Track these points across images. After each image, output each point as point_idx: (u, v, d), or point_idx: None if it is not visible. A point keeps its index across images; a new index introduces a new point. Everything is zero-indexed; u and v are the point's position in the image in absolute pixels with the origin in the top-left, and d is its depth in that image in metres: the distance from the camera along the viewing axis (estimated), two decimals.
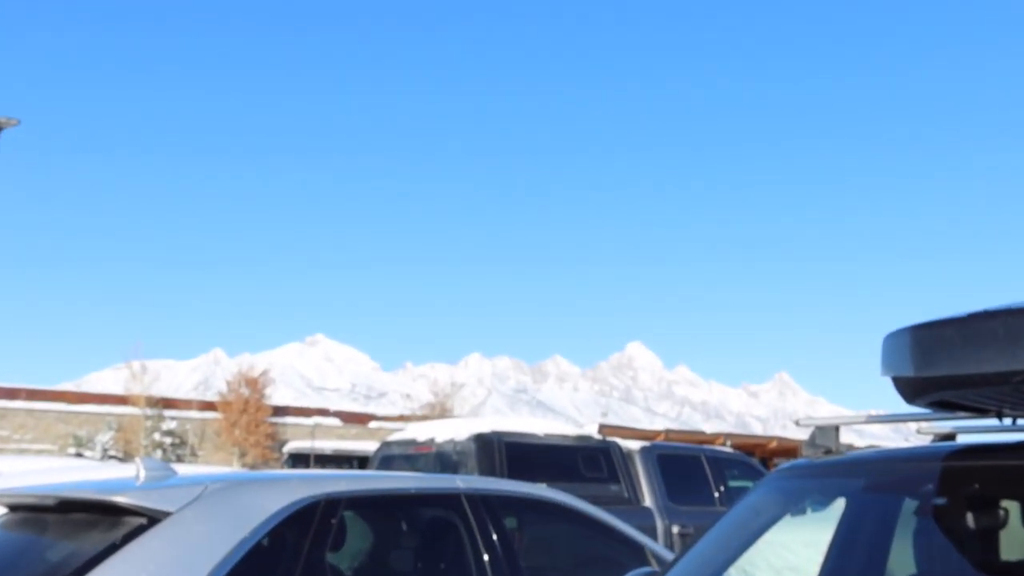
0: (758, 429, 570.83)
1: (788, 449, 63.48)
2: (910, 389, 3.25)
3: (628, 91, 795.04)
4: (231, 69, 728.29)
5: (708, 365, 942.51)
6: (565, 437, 11.55)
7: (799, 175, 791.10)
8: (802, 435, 4.68)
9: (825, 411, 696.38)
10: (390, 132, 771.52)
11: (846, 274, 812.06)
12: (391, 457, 11.68)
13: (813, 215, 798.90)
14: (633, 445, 12.40)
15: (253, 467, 50.44)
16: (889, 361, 3.25)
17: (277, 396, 64.12)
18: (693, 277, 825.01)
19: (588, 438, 11.84)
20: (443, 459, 10.92)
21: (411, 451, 11.41)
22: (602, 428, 50.89)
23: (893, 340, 3.21)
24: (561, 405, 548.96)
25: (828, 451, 4.20)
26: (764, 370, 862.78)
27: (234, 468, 47.10)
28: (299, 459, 52.57)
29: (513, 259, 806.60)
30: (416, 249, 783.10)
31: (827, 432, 4.28)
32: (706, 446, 15.04)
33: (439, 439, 11.09)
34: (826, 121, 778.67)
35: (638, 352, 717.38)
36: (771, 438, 64.71)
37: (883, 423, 4.58)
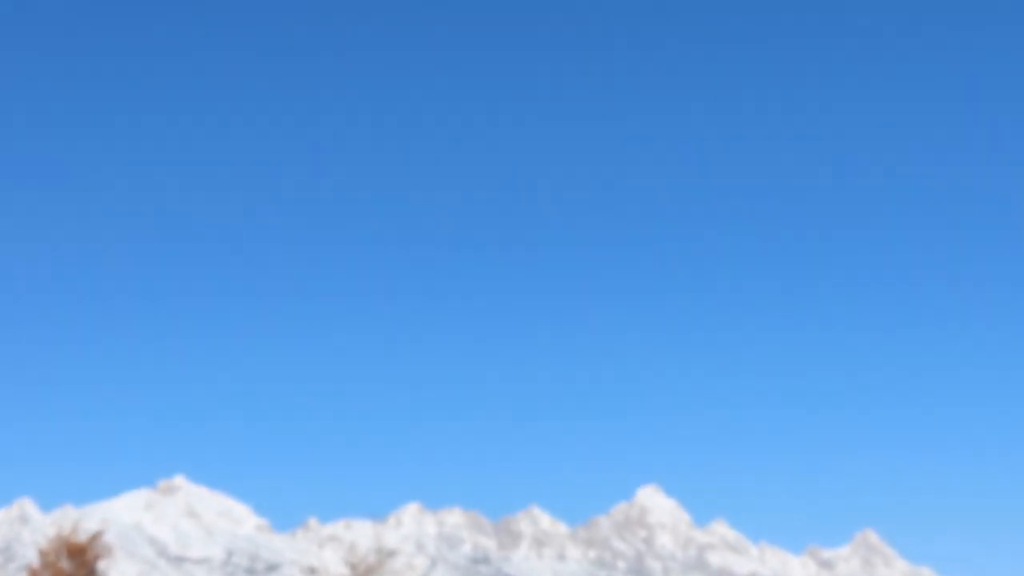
0: None
1: None
2: None
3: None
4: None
5: (756, 520, 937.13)
6: None
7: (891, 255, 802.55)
8: None
9: None
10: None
11: (960, 395, 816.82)
12: None
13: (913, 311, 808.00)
14: None
15: None
16: None
17: (115, 573, 63.27)
18: (732, 396, 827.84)
19: None
20: None
21: None
22: None
23: None
24: None
25: None
26: (841, 528, 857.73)
27: None
28: None
29: (469, 369, 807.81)
30: (320, 359, 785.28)
31: None
32: None
33: None
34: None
35: (654, 501, 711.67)
36: None
37: None
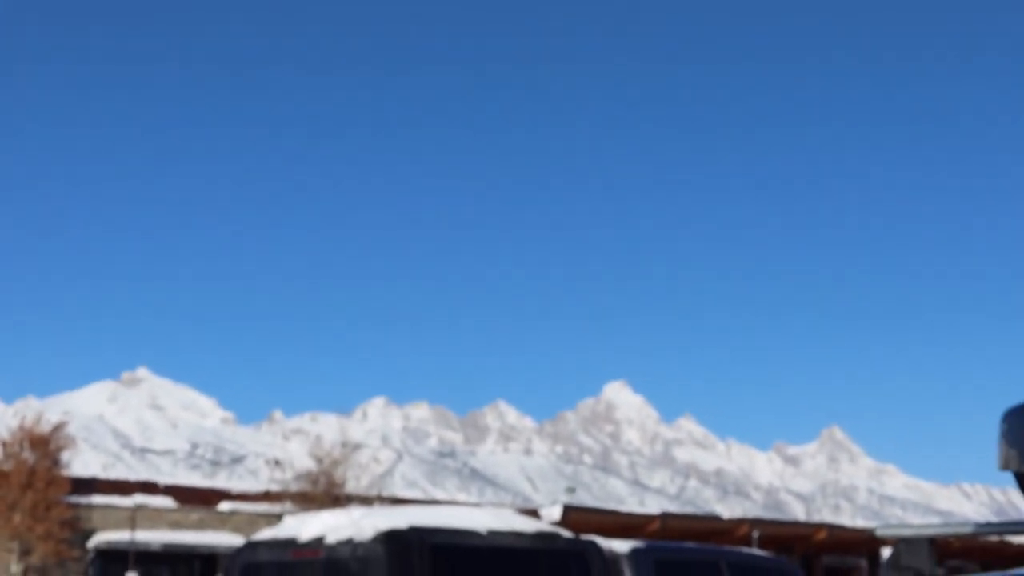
0: (798, 511, 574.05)
1: (843, 543, 64.12)
2: None
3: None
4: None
5: (724, 417, 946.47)
6: (520, 536, 11.48)
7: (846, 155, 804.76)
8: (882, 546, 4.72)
9: (899, 484, 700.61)
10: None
11: (925, 296, 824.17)
12: (258, 566, 11.55)
13: (876, 206, 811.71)
14: (620, 546, 12.42)
15: (44, 570, 49.90)
16: (1015, 448, 3.29)
17: (79, 463, 63.59)
18: (700, 290, 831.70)
19: (554, 536, 11.82)
20: (337, 570, 10.82)
21: (289, 557, 11.30)
22: (568, 513, 51.34)
23: (1021, 419, 3.26)
24: (507, 476, 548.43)
25: (920, 575, 4.17)
26: (807, 425, 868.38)
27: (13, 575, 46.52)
28: (112, 558, 52.00)
29: (432, 266, 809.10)
30: (286, 244, 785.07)
31: (918, 547, 4.22)
32: (727, 547, 15.13)
33: (331, 539, 10.97)
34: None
35: (621, 397, 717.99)
36: (819, 526, 65.37)
37: (1001, 533, 4.65)
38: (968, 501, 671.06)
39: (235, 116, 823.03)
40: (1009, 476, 3.63)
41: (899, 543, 4.11)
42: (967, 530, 4.33)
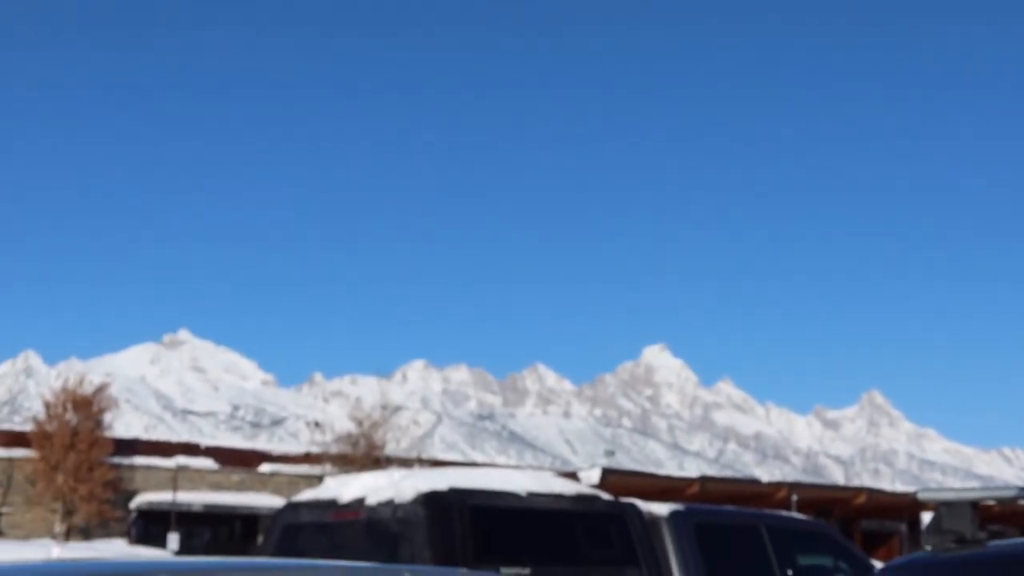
0: (838, 476, 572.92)
1: (882, 507, 63.97)
2: None
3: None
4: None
5: (763, 381, 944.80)
6: (559, 498, 11.51)
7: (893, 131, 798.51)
8: (924, 509, 4.68)
9: (938, 449, 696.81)
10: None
11: (966, 259, 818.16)
12: (298, 527, 11.60)
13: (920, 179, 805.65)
14: (659, 509, 12.41)
15: (87, 530, 50.36)
16: None
17: (121, 425, 64.11)
18: (740, 256, 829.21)
19: (594, 499, 11.83)
20: (377, 531, 10.87)
21: (329, 518, 11.35)
22: (607, 476, 51.35)
23: None
24: (545, 439, 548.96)
25: (961, 539, 4.12)
26: (847, 389, 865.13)
27: (58, 536, 46.87)
28: (153, 518, 52.46)
29: (472, 229, 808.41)
30: (328, 213, 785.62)
31: (960, 511, 4.17)
32: (766, 511, 15.11)
33: (371, 500, 11.02)
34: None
35: (660, 361, 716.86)
36: (858, 490, 65.20)
37: None
38: (1009, 466, 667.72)
39: (281, 81, 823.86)
40: None
41: (941, 507, 4.08)
42: (1009, 494, 4.29)
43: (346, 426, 59.74)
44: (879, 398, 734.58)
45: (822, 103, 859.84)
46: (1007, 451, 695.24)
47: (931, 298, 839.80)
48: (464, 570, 6.21)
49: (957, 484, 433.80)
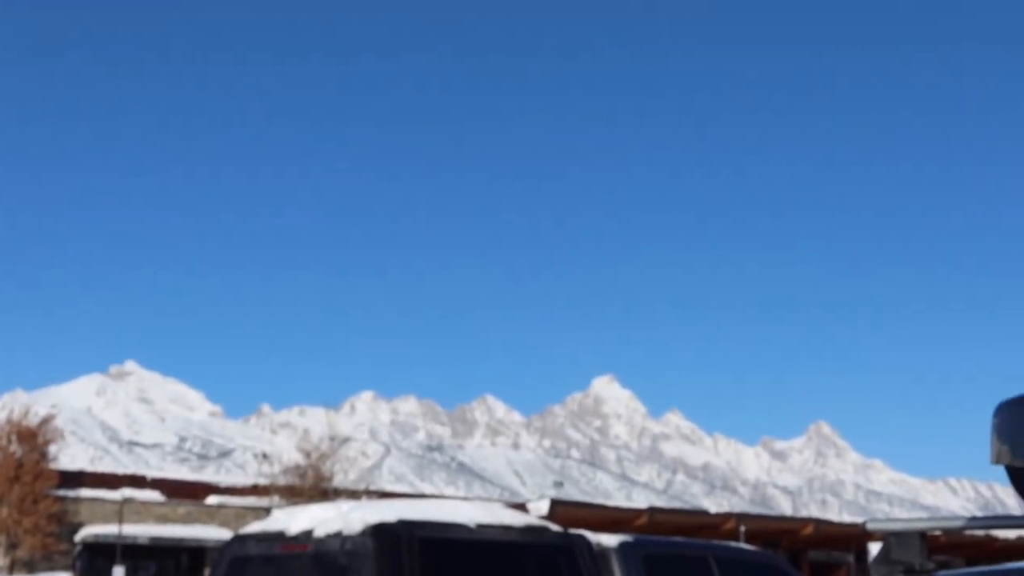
0: (786, 507, 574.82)
1: (830, 538, 64.20)
2: None
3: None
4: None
5: (711, 412, 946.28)
6: (508, 529, 11.48)
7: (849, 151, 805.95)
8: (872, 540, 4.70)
9: (885, 479, 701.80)
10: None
11: (912, 292, 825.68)
12: (246, 560, 11.52)
13: (861, 213, 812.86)
14: (608, 540, 12.40)
15: (31, 564, 49.80)
16: (1007, 443, 3.29)
17: (66, 456, 63.45)
18: (689, 288, 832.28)
19: (543, 530, 11.81)
20: (325, 563, 10.81)
21: (277, 550, 11.28)
22: (555, 507, 51.33)
23: (1014, 413, 3.26)
24: (494, 470, 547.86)
25: (910, 569, 4.14)
26: (794, 420, 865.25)
27: (1, 570, 46.39)
28: (99, 551, 51.98)
29: (421, 262, 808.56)
30: (275, 246, 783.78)
31: (908, 541, 4.18)
32: (714, 542, 15.13)
33: (319, 532, 10.96)
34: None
35: (609, 392, 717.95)
36: (806, 521, 65.40)
37: (989, 528, 4.64)
38: (954, 496, 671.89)
39: (220, 113, 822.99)
40: (996, 470, 3.63)
41: (889, 537, 4.10)
42: (957, 524, 4.31)
43: (294, 458, 59.52)
44: (826, 429, 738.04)
45: (763, 137, 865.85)
46: (952, 481, 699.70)
47: (878, 330, 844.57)
48: None
49: (904, 514, 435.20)
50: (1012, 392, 3.49)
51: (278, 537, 11.36)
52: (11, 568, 48.12)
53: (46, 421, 53.11)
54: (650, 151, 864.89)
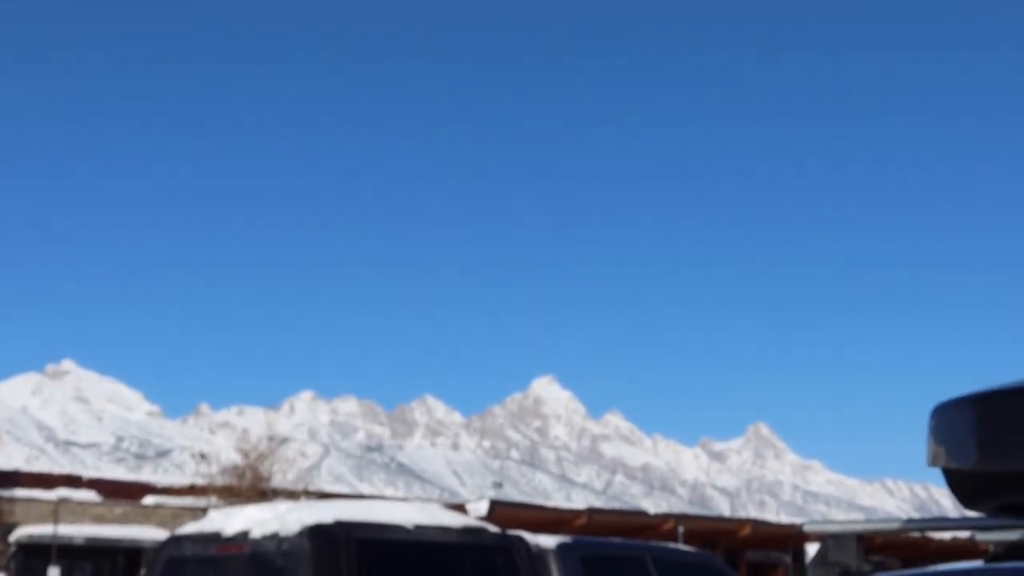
0: (723, 507, 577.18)
1: (768, 538, 64.51)
2: (970, 487, 3.30)
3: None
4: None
5: (650, 413, 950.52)
6: (446, 530, 11.47)
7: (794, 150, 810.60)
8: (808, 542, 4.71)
9: (822, 480, 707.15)
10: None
11: (849, 293, 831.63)
12: (182, 561, 11.45)
13: (810, 209, 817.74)
14: (546, 541, 12.43)
15: None
16: (943, 445, 3.29)
17: (2, 456, 63.02)
18: (628, 288, 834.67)
19: (481, 531, 11.80)
20: (262, 565, 10.75)
21: (213, 551, 11.21)
22: (494, 508, 51.26)
23: (950, 416, 3.26)
24: (434, 471, 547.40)
25: (847, 571, 4.15)
26: (733, 421, 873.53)
27: None
28: (33, 552, 51.50)
29: (360, 260, 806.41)
30: (213, 243, 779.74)
31: (845, 543, 4.20)
32: (652, 542, 15.19)
33: (256, 533, 10.90)
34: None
35: (548, 392, 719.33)
36: (743, 522, 65.74)
37: (925, 530, 4.65)
38: (891, 497, 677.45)
39: (161, 113, 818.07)
40: (932, 472, 3.65)
41: (827, 539, 4.10)
42: (894, 527, 4.33)
43: (232, 458, 59.13)
44: (765, 430, 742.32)
45: (704, 140, 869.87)
46: (889, 482, 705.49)
47: (816, 331, 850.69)
48: None
49: (841, 515, 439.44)
50: (948, 395, 3.51)
51: (214, 538, 11.29)
52: None
53: None
54: (579, 156, 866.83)
